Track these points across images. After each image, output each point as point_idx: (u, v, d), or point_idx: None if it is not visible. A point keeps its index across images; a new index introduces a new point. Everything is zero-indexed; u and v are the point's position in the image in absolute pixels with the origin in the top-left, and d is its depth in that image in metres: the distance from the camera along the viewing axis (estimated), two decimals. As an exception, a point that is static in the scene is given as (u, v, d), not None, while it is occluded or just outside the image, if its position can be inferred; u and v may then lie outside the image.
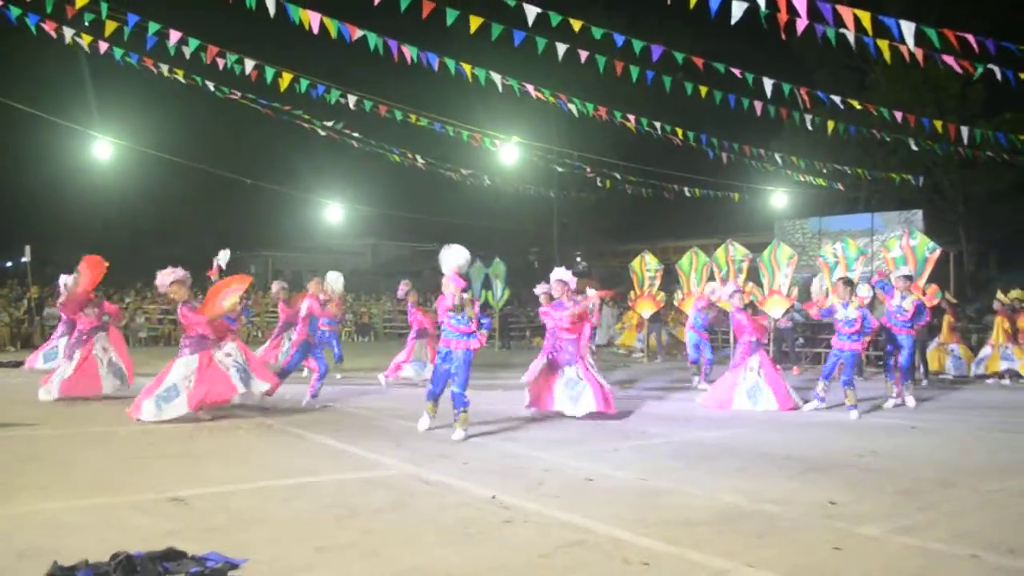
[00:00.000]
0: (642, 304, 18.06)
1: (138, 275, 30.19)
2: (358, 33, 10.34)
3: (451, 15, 9.51)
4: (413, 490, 5.58)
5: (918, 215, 18.15)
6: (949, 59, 9.39)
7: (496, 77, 11.94)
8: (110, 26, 10.62)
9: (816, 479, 6.10)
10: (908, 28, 8.50)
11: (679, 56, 10.77)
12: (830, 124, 14.08)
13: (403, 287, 13.30)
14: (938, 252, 13.26)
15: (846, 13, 8.39)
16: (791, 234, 20.10)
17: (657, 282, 17.91)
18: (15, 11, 10.39)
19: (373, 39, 10.53)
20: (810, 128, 14.37)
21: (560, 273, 9.49)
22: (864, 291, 10.41)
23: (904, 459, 7.04)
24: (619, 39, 10.29)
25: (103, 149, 17.57)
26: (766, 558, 4.18)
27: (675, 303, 17.22)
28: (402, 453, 6.95)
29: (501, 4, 9.28)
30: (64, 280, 11.55)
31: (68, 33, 11.07)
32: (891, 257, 13.48)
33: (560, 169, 21.70)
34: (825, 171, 19.14)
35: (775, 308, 14.82)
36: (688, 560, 4.13)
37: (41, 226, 31.15)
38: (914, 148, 15.57)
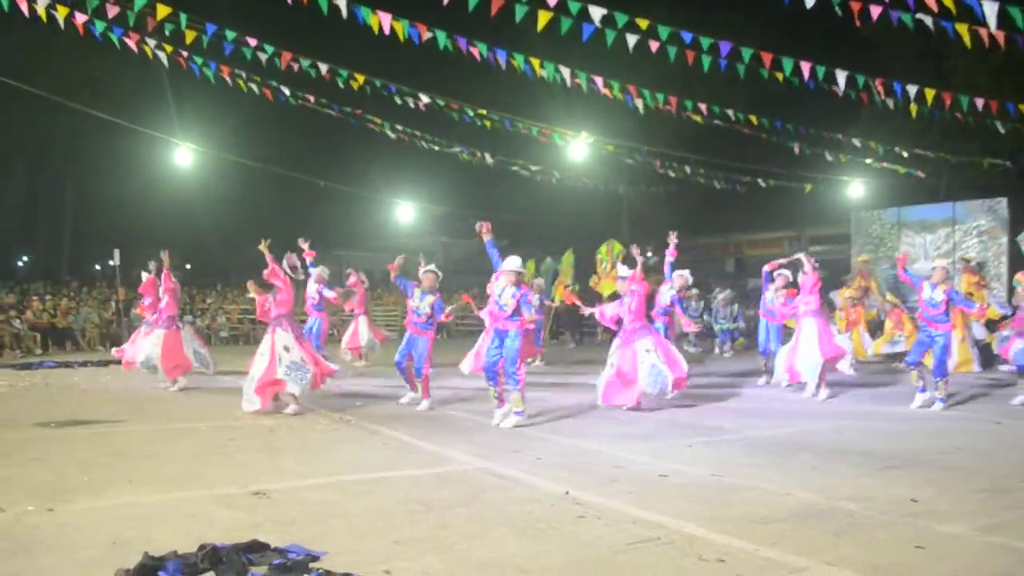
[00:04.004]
0: (604, 285, 17.91)
1: (219, 276, 31.12)
2: (427, 33, 10.47)
3: (520, 11, 9.51)
4: (485, 485, 5.63)
5: (1002, 203, 17.26)
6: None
7: (565, 72, 11.93)
8: (189, 35, 10.98)
9: (896, 476, 5.94)
10: (991, 8, 8.18)
11: (746, 54, 10.62)
12: (912, 108, 13.59)
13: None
14: None
15: (927, -8, 8.13)
16: (868, 225, 19.37)
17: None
18: (100, 26, 10.80)
19: (442, 38, 10.64)
20: (892, 108, 13.88)
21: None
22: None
23: (988, 456, 6.82)
24: (687, 37, 10.20)
25: (184, 156, 18.13)
26: (845, 556, 4.10)
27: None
28: (474, 448, 7.02)
29: (566, 4, 9.30)
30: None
31: (150, 44, 11.49)
32: None
33: (630, 162, 21.52)
34: (906, 155, 18.44)
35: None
36: (764, 557, 4.07)
37: (128, 230, 32.33)
38: (1001, 130, 14.88)
